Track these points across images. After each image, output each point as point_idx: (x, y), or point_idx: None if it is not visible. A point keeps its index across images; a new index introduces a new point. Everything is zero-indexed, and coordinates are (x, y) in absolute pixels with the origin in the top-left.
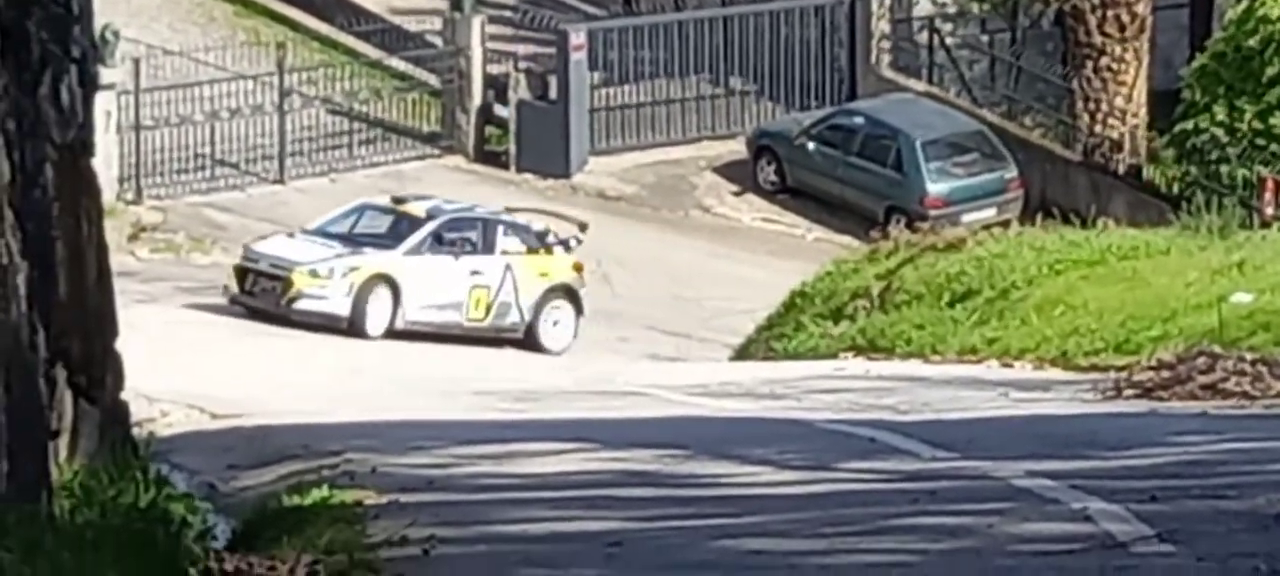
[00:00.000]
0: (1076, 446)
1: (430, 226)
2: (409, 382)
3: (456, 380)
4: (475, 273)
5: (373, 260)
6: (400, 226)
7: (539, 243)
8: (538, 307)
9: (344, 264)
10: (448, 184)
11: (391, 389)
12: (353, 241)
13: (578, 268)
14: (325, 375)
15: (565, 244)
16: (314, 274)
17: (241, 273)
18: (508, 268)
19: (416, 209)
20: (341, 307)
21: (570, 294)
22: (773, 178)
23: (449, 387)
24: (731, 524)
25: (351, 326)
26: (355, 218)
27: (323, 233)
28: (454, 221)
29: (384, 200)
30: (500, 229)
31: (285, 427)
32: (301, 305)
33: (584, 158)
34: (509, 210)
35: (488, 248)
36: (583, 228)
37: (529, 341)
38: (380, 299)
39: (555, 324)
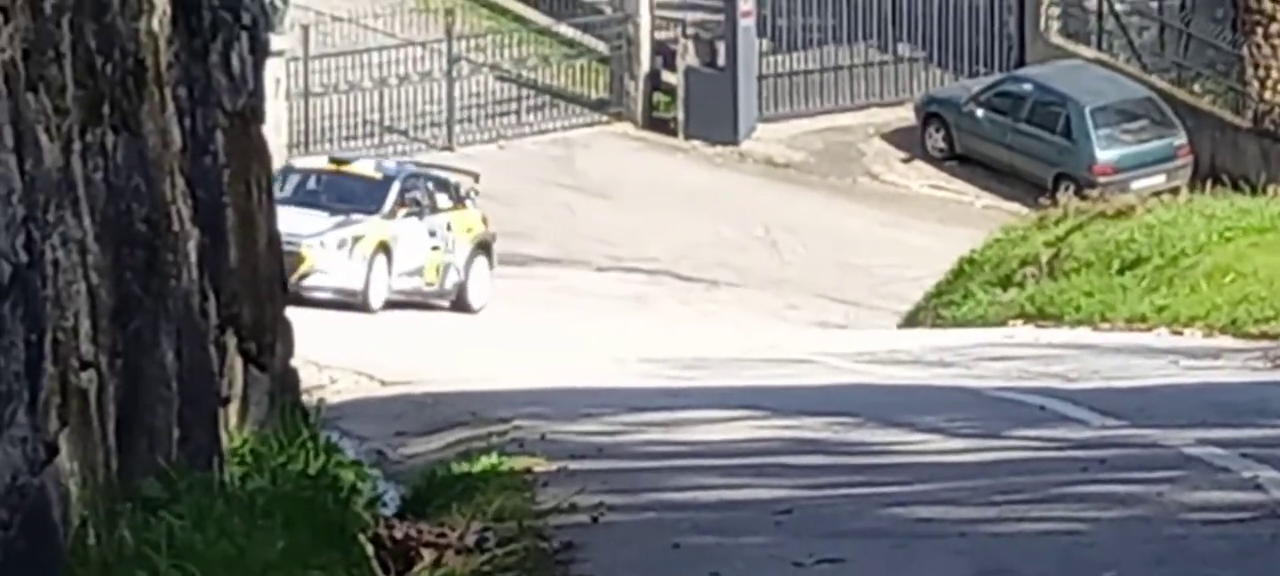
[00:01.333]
0: (1247, 414)
1: (397, 187)
2: (572, 352)
3: (617, 347)
4: (432, 234)
5: (369, 227)
6: (354, 188)
7: (459, 198)
8: (468, 266)
9: (349, 232)
10: (616, 151)
11: (557, 358)
12: (322, 208)
13: (485, 221)
14: (485, 345)
15: (469, 197)
16: (325, 245)
17: None
18: (449, 226)
19: (366, 168)
20: (356, 281)
21: (487, 249)
22: (941, 145)
23: (616, 355)
24: (901, 492)
25: (364, 302)
26: (279, 181)
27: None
28: (410, 180)
29: (312, 161)
30: (432, 185)
31: (454, 395)
32: (314, 282)
33: (752, 124)
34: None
35: (432, 207)
36: (476, 178)
37: (459, 303)
38: (379, 269)
39: (478, 281)
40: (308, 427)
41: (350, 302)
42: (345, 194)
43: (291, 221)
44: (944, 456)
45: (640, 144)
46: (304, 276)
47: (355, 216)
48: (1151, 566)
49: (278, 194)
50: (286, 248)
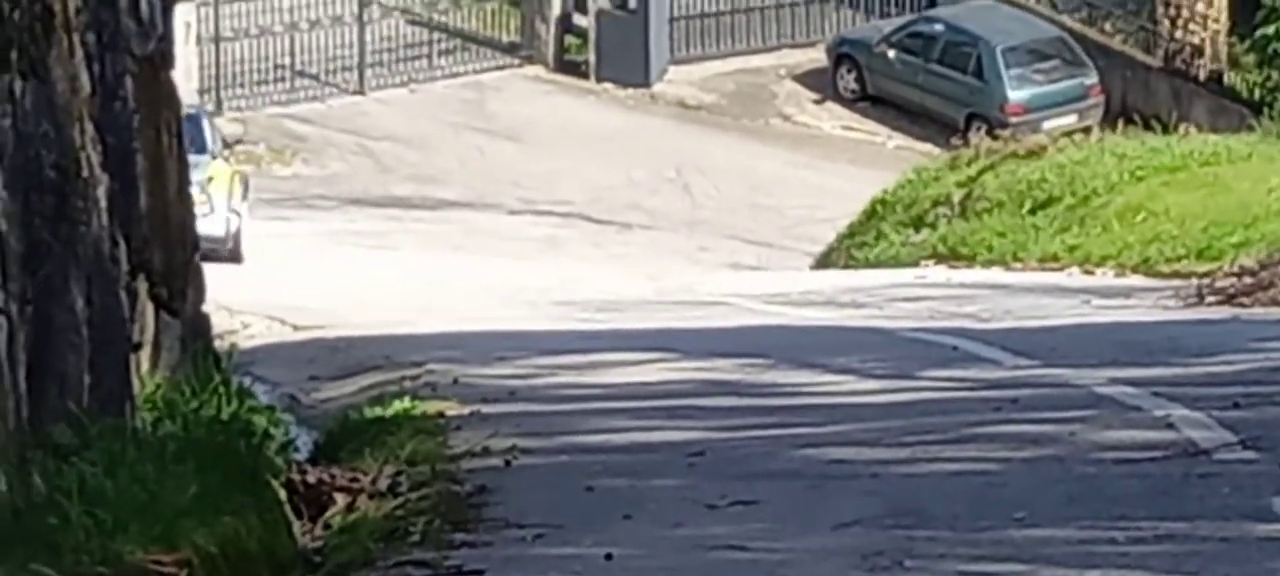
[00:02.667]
0: (1158, 353)
1: (206, 123)
2: (487, 293)
3: (533, 290)
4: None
5: (211, 167)
6: None
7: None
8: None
9: (200, 173)
10: (528, 94)
11: (471, 300)
12: None
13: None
14: (401, 286)
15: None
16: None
17: None
18: (236, 174)
19: None
20: (220, 227)
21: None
22: (853, 86)
23: (529, 299)
24: (814, 433)
25: (234, 251)
26: None
27: None
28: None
29: None
30: (206, 126)
31: (366, 339)
32: None
33: (664, 66)
34: None
35: (203, 149)
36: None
37: (233, 252)
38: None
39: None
40: (220, 373)
41: (215, 253)
42: None
43: None
44: (857, 397)
45: (552, 87)
46: None
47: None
48: (1064, 505)
49: None
50: None
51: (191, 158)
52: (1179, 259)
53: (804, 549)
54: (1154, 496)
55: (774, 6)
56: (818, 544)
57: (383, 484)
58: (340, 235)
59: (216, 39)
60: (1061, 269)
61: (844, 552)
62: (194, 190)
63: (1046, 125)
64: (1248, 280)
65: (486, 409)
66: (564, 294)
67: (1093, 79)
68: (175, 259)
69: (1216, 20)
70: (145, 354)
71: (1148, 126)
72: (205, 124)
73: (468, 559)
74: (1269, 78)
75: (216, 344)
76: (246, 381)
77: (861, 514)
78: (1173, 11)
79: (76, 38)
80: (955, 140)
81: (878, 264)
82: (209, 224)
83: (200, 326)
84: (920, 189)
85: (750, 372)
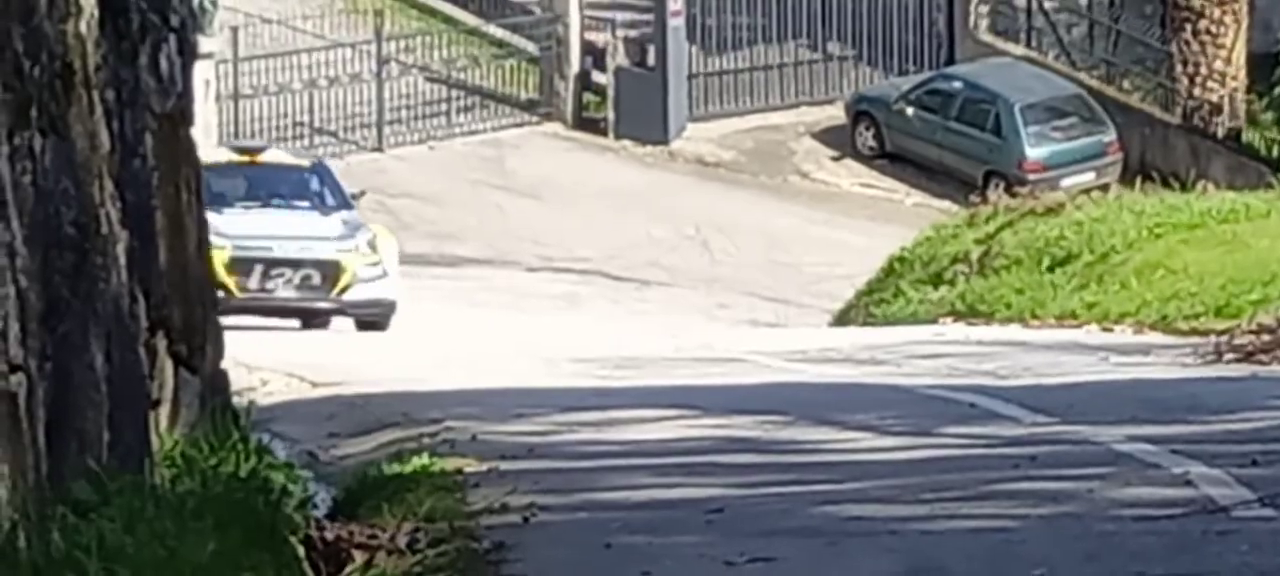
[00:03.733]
0: (1177, 411)
1: (332, 174)
2: (503, 352)
3: (548, 347)
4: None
5: (364, 225)
6: (286, 179)
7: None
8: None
9: (363, 237)
10: (547, 151)
11: (488, 359)
12: (267, 206)
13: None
14: (417, 347)
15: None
16: (359, 250)
17: (241, 265)
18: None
19: (283, 156)
20: (392, 291)
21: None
22: (871, 143)
23: (548, 355)
24: (832, 490)
25: (390, 313)
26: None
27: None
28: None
29: (213, 155)
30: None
31: (385, 396)
32: (355, 295)
33: (682, 124)
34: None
35: (346, 203)
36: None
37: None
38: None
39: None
40: (238, 430)
41: (379, 318)
42: (281, 188)
43: (286, 223)
44: (875, 454)
45: (571, 144)
46: (345, 289)
47: (330, 211)
48: (1082, 563)
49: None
50: (310, 256)
51: (343, 214)
52: (1197, 316)
53: None
54: (1173, 553)
55: (792, 64)
56: None
57: (401, 540)
58: None
59: (236, 96)
60: (1080, 326)
61: None
62: (363, 249)
63: (1065, 182)
64: (1266, 337)
65: (505, 465)
66: (583, 351)
67: (1111, 136)
68: (194, 315)
69: (1235, 78)
70: (164, 410)
71: (1166, 184)
72: (336, 176)
73: None
74: None
75: (235, 400)
76: (265, 438)
77: (880, 571)
78: (1191, 69)
79: (96, 94)
80: (973, 197)
81: (896, 321)
82: (381, 288)
83: (219, 383)
84: (939, 246)
85: (769, 429)
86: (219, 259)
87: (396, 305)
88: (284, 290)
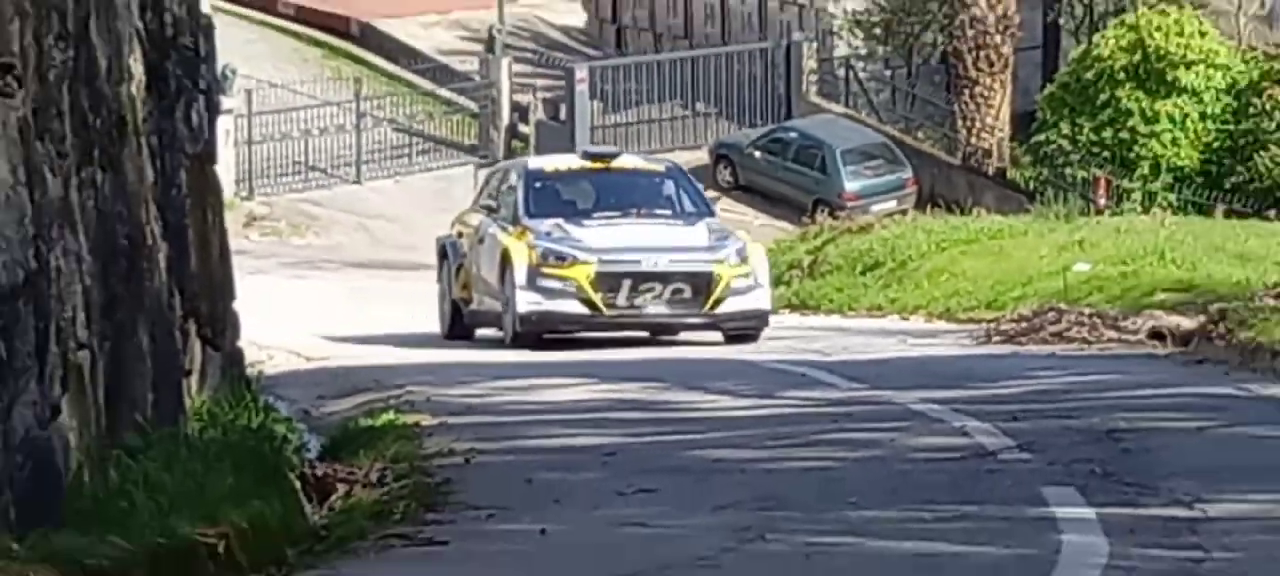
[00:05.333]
0: (957, 379)
1: (688, 178)
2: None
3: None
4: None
5: (737, 234)
6: (640, 187)
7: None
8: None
9: (734, 246)
10: None
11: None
12: (626, 215)
13: None
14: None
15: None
16: (730, 261)
17: (608, 281)
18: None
19: (636, 161)
20: (765, 301)
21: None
22: (728, 178)
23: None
24: (698, 438)
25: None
26: (518, 189)
27: (535, 211)
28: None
29: (554, 161)
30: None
31: (361, 368)
32: (728, 307)
33: None
34: None
35: (708, 210)
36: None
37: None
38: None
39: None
40: (250, 393)
41: (752, 331)
42: (634, 195)
43: (644, 234)
44: (731, 411)
45: None
46: (718, 302)
47: (692, 220)
48: (887, 494)
49: (529, 206)
50: (681, 268)
51: (708, 221)
52: (973, 309)
53: (691, 525)
54: (953, 487)
55: (669, 119)
56: (701, 522)
57: (373, 477)
58: (346, 290)
59: (250, 142)
60: (884, 316)
61: (722, 528)
62: (732, 261)
63: (873, 208)
64: (1024, 325)
65: (451, 420)
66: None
67: (908, 174)
68: (217, 307)
69: (1001, 130)
70: (194, 379)
71: (949, 210)
72: (691, 179)
73: (436, 532)
74: (1041, 173)
75: (248, 371)
76: (270, 399)
77: (734, 499)
78: (969, 123)
79: (143, 140)
80: (805, 220)
81: None
82: (754, 299)
83: (236, 358)
84: (779, 256)
85: (651, 392)
86: (584, 274)
87: (768, 317)
88: (654, 306)
